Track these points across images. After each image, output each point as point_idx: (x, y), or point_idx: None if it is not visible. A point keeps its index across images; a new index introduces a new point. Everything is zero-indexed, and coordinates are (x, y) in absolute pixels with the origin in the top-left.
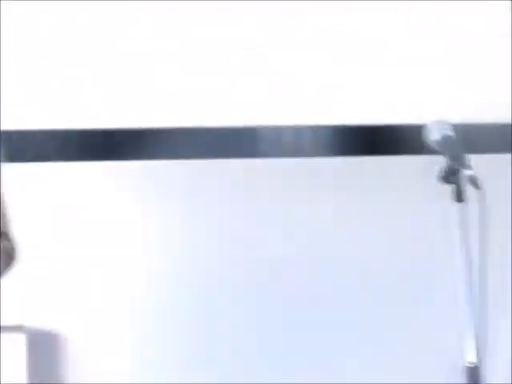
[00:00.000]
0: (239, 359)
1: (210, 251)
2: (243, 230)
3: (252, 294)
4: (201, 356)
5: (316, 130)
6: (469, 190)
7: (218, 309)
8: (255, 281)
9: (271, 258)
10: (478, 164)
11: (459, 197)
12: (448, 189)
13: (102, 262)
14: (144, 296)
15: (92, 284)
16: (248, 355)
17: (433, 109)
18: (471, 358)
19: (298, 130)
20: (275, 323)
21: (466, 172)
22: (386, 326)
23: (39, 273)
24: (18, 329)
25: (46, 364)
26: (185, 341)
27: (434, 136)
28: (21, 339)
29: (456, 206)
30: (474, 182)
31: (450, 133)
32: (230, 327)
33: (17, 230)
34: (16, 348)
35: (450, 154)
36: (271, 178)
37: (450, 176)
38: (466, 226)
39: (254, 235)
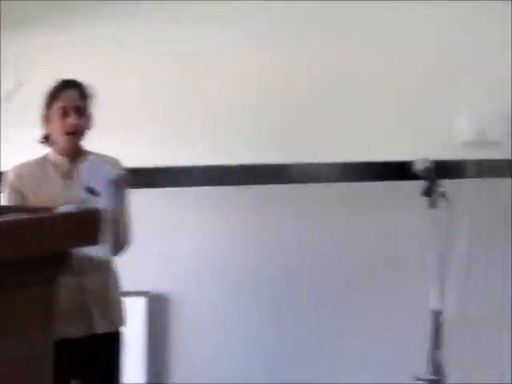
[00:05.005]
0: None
1: None
2: None
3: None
4: None
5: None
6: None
7: None
8: None
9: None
10: None
11: (433, 205)
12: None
13: None
14: None
15: None
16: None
17: None
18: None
19: None
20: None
21: (439, 189)
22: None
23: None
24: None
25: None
26: None
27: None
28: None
29: (431, 211)
30: (443, 196)
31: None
32: None
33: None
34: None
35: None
36: None
37: (429, 192)
38: (438, 225)
39: None
